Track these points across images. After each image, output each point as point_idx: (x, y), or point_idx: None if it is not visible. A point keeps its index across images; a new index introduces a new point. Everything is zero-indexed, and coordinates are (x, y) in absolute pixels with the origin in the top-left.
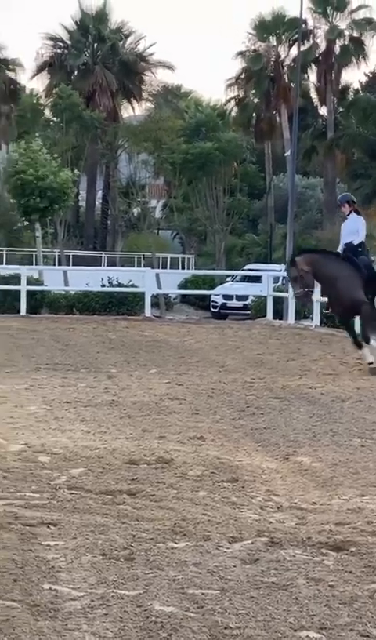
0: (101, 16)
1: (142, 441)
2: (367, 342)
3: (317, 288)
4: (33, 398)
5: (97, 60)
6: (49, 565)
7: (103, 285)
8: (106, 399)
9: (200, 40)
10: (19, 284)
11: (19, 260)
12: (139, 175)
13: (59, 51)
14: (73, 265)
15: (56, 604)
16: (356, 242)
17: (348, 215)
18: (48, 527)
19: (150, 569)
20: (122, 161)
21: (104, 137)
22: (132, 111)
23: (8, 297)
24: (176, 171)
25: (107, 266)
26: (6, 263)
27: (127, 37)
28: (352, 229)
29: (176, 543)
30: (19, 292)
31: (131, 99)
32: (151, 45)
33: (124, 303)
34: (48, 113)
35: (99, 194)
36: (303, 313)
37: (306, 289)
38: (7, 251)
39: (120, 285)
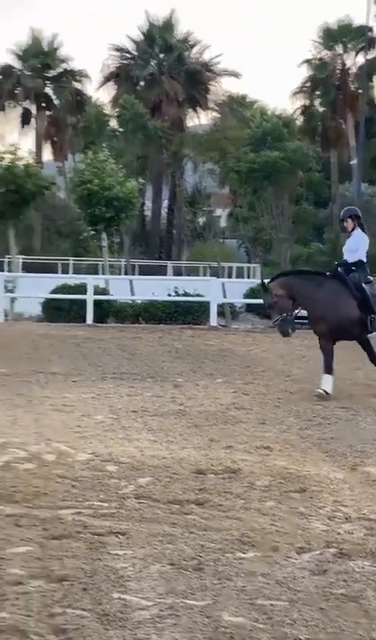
0: (167, 26)
1: (209, 450)
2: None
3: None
4: (100, 407)
5: (163, 70)
6: (118, 574)
7: (169, 295)
8: (172, 408)
9: (265, 49)
10: (86, 293)
11: (85, 270)
12: (205, 184)
13: (125, 62)
14: (139, 274)
15: (125, 613)
16: (350, 260)
17: (352, 231)
18: (116, 536)
19: (219, 579)
20: (188, 171)
21: (170, 147)
22: (198, 120)
23: (74, 306)
24: (242, 180)
25: (173, 275)
26: (73, 273)
27: (192, 47)
28: (352, 247)
29: (244, 553)
30: (85, 301)
31: (197, 108)
32: (217, 56)
33: (189, 313)
34: (114, 123)
35: (165, 203)
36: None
37: (284, 315)
38: (73, 260)
39: (185, 294)
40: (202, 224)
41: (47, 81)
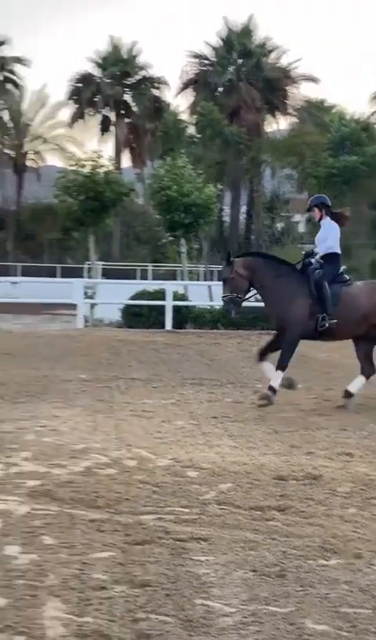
0: (246, 32)
1: (290, 457)
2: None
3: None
4: (180, 412)
5: (241, 76)
6: (201, 580)
7: (247, 300)
8: (252, 414)
9: (342, 53)
10: (165, 299)
11: (163, 276)
12: (283, 189)
13: (203, 68)
14: (217, 280)
15: (208, 619)
16: (320, 252)
17: (320, 220)
18: (198, 542)
19: (301, 586)
20: (266, 176)
21: (248, 152)
22: (276, 126)
23: (153, 312)
24: (320, 185)
25: None
26: (151, 279)
27: (270, 52)
28: (321, 237)
29: (327, 560)
30: (164, 307)
31: (275, 113)
32: (296, 61)
33: (269, 318)
34: (192, 130)
35: (243, 209)
36: None
37: (235, 295)
38: (152, 267)
39: None
40: (280, 230)
41: (126, 89)
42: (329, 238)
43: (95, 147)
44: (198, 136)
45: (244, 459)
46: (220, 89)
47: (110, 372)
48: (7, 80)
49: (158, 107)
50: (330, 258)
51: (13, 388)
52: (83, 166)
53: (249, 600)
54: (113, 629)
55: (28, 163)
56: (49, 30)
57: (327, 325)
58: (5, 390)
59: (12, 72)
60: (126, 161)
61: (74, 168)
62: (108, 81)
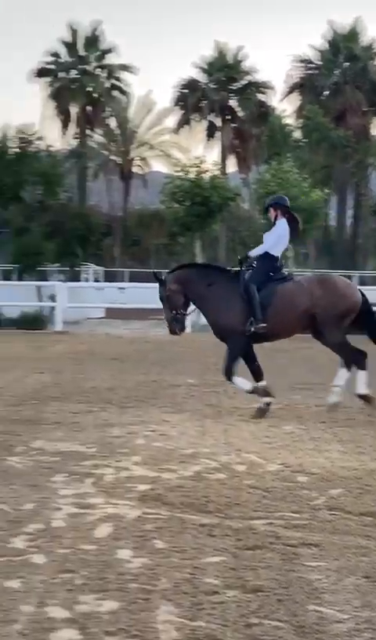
0: (352, 35)
1: None
2: (228, 378)
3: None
4: (288, 417)
5: (347, 79)
6: (313, 586)
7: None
8: (361, 419)
9: None
10: None
11: None
12: None
13: (309, 72)
14: None
15: (321, 625)
16: (252, 254)
17: (275, 221)
18: (309, 548)
19: None
20: (372, 180)
21: (354, 156)
22: None
23: None
24: None
25: (359, 285)
26: None
27: None
28: (265, 238)
29: None
30: None
31: None
32: None
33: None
34: (297, 134)
35: (350, 212)
36: None
37: (174, 312)
38: None
39: (373, 304)
40: None
41: (231, 94)
42: (270, 238)
43: (200, 153)
44: (304, 140)
45: (354, 464)
46: (326, 93)
47: (218, 377)
48: (114, 87)
49: (263, 112)
50: (264, 258)
51: (122, 393)
52: (188, 172)
53: (362, 607)
54: (226, 634)
55: (134, 170)
56: (153, 37)
57: (253, 329)
58: (115, 395)
59: (118, 80)
60: (231, 166)
61: (180, 174)
62: (214, 86)
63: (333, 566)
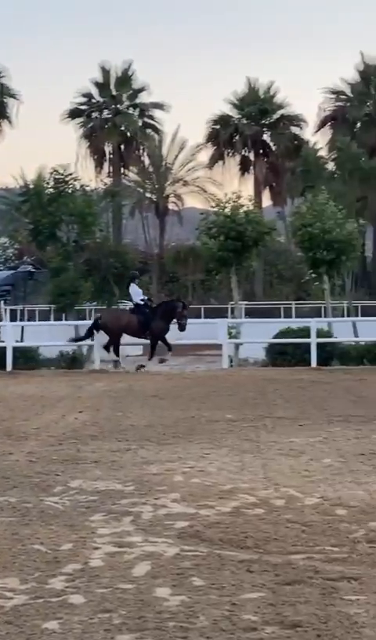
0: None
1: None
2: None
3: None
4: (327, 450)
5: None
6: (352, 620)
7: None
8: None
9: None
10: (310, 336)
11: (308, 313)
12: None
13: (341, 104)
14: (361, 316)
15: None
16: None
17: None
18: (349, 582)
19: None
20: None
21: None
22: None
23: (298, 350)
24: None
25: None
26: (295, 317)
27: None
28: None
29: None
30: (309, 344)
31: None
32: None
33: None
34: (331, 166)
35: None
36: None
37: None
38: (296, 304)
39: None
40: None
41: (264, 128)
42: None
43: (235, 188)
44: (337, 171)
45: None
46: (358, 124)
47: (257, 412)
48: (147, 125)
49: (297, 145)
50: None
51: (160, 430)
52: (224, 208)
53: None
54: None
55: (169, 206)
56: (181, 74)
57: None
58: (153, 431)
59: (151, 118)
60: (266, 199)
61: (215, 209)
62: (246, 121)
63: (373, 600)
